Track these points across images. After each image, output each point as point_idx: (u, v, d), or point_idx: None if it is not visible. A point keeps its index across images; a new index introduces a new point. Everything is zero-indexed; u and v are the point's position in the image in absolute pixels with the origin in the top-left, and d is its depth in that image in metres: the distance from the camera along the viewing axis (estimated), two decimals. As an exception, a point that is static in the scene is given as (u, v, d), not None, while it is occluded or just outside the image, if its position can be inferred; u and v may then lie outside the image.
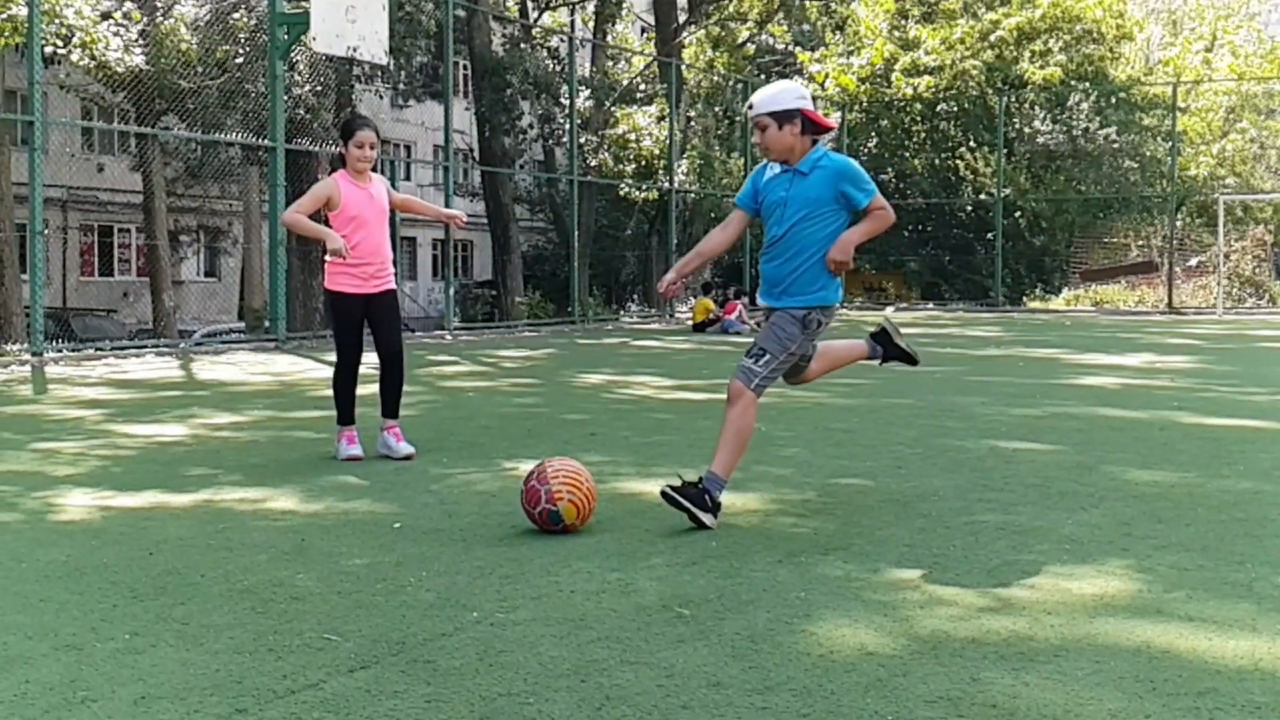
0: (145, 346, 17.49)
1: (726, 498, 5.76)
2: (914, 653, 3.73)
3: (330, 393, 7.75)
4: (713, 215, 34.39)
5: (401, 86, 30.86)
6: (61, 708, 3.30)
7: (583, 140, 28.83)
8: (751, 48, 40.35)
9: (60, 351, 15.75)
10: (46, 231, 15.45)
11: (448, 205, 22.66)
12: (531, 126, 31.57)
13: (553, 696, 3.37)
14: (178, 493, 6.40)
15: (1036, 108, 37.25)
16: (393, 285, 7.77)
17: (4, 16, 16.96)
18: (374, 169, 7.71)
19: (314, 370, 14.18)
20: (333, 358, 7.85)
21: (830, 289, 5.78)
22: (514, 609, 4.21)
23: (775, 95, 5.78)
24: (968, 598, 4.34)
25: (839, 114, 36.98)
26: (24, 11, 15.88)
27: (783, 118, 5.68)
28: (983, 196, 36.66)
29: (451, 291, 23.26)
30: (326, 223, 7.60)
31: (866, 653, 3.73)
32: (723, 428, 5.70)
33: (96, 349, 16.60)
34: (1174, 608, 4.22)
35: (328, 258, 7.50)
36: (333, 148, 25.65)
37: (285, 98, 19.04)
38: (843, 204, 5.71)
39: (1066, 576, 4.62)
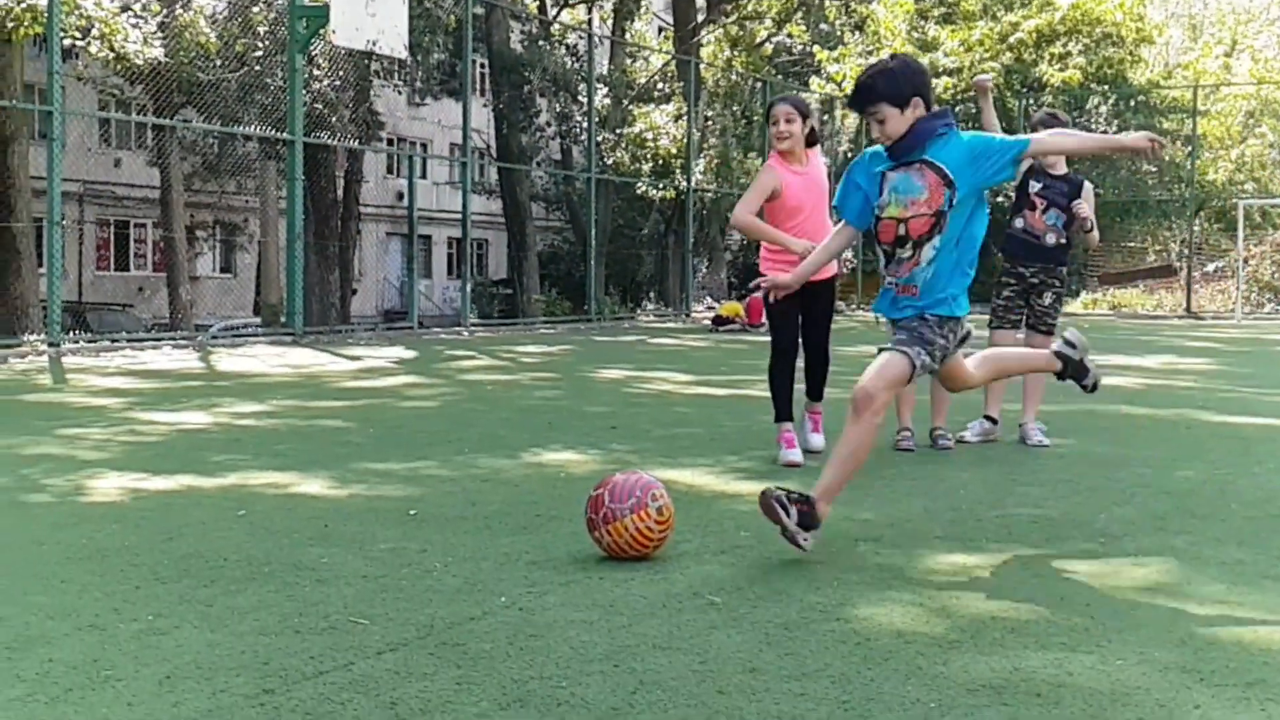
0: (162, 339, 17.48)
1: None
2: (952, 642, 3.65)
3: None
4: (729, 215, 34.35)
5: (419, 84, 30.88)
6: (85, 686, 3.24)
7: (600, 138, 28.77)
8: (770, 47, 40.29)
9: (77, 344, 15.73)
10: (64, 224, 15.42)
11: (465, 202, 22.63)
12: (549, 124, 31.56)
13: (586, 680, 3.30)
14: (201, 477, 6.35)
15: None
16: (832, 271, 7.20)
17: (23, 6, 16.95)
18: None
19: (333, 364, 14.12)
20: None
21: None
22: (542, 594, 4.15)
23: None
24: (1004, 588, 4.27)
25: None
26: (44, 2, 15.87)
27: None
28: (1000, 199, 36.54)
29: (468, 289, 23.21)
30: (763, 215, 7.12)
31: (904, 641, 3.66)
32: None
33: (113, 340, 16.59)
34: (1215, 600, 4.14)
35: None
36: (351, 143, 25.71)
37: (304, 91, 19.00)
38: None
39: (1103, 568, 4.55)
